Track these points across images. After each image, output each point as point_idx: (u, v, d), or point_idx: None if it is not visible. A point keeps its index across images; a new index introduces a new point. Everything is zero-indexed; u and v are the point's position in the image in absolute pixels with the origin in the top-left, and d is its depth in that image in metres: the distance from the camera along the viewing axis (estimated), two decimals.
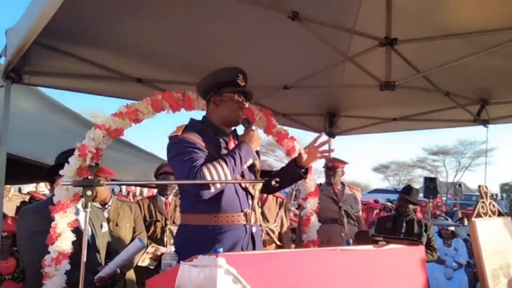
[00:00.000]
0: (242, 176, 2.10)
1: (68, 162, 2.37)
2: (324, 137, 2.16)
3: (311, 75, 3.61)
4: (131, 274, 3.16)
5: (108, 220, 3.24)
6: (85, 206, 1.68)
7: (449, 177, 32.53)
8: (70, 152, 2.43)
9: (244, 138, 2.09)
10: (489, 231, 2.77)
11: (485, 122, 4.31)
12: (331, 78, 3.85)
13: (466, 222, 7.61)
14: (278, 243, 3.54)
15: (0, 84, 2.91)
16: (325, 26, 2.78)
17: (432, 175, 20.89)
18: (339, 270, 1.64)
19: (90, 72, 3.28)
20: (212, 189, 1.91)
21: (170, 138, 2.06)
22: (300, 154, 2.15)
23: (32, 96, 4.00)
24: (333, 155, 2.48)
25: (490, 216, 2.86)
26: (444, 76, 3.43)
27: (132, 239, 3.30)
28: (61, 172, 2.37)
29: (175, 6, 2.69)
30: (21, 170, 3.85)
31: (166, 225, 3.70)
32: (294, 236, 4.26)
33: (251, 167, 2.13)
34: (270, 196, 3.60)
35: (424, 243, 3.59)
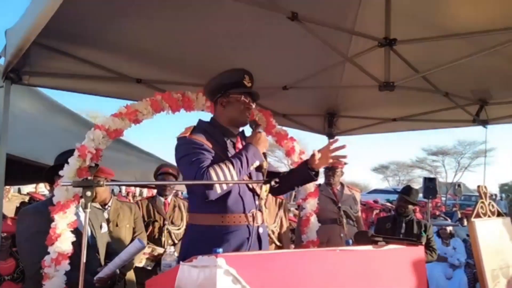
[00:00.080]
0: (250, 177, 2.12)
1: (67, 163, 2.37)
2: (339, 142, 2.15)
3: (311, 75, 3.62)
4: (131, 275, 3.16)
5: (108, 221, 3.24)
6: (84, 207, 1.68)
7: (449, 177, 32.60)
8: (70, 152, 2.43)
9: (251, 140, 2.10)
10: (488, 232, 2.77)
11: (484, 123, 4.32)
12: (331, 78, 3.86)
13: (465, 223, 7.61)
14: (278, 243, 3.54)
15: (0, 84, 2.91)
16: (325, 27, 2.79)
17: (432, 176, 20.93)
18: (339, 270, 1.64)
19: (89, 72, 3.28)
20: (219, 190, 1.92)
21: (178, 139, 2.08)
22: (312, 156, 2.15)
23: (32, 97, 4.00)
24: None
25: (489, 216, 2.86)
26: (443, 77, 3.43)
27: (132, 240, 3.30)
28: (60, 172, 2.37)
29: (175, 7, 2.69)
30: (20, 170, 3.86)
31: (164, 225, 3.69)
32: (293, 237, 4.26)
33: (259, 169, 2.14)
34: (270, 197, 3.60)
35: (423, 243, 3.60)
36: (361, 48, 3.12)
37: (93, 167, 2.49)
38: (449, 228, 6.43)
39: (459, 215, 10.51)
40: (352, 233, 3.67)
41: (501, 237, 2.89)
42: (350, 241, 2.00)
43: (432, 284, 5.54)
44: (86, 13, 2.64)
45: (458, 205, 16.99)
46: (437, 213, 12.12)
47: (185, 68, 3.48)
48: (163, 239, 3.66)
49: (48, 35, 2.51)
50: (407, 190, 4.22)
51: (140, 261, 3.43)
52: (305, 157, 3.20)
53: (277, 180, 2.16)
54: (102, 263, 2.56)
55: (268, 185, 2.16)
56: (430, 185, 8.25)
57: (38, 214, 2.41)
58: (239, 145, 2.17)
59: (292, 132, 3.34)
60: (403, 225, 4.07)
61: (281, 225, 3.64)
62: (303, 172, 2.22)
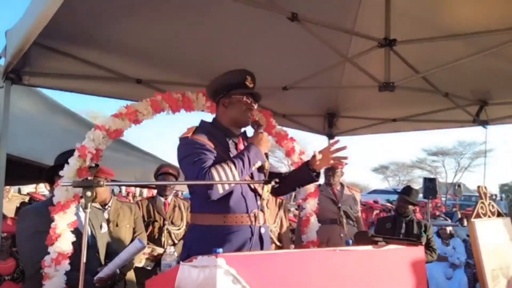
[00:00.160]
0: (251, 177, 2.12)
1: (67, 163, 2.37)
2: (340, 143, 2.16)
3: (311, 76, 3.62)
4: (131, 275, 3.16)
5: (108, 221, 3.24)
6: (84, 207, 1.68)
7: (449, 177, 32.60)
8: (70, 153, 2.43)
9: (253, 140, 2.11)
10: (488, 232, 2.78)
11: (484, 123, 4.32)
12: (331, 79, 3.86)
13: (465, 223, 7.61)
14: (278, 243, 3.54)
15: (0, 85, 2.91)
16: (325, 27, 2.79)
17: (432, 176, 20.92)
18: (339, 270, 1.65)
19: (89, 73, 3.29)
20: (221, 190, 1.93)
21: (181, 139, 2.09)
22: (313, 157, 2.16)
23: (32, 97, 4.00)
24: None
25: (489, 216, 2.87)
26: (443, 77, 3.44)
27: (132, 240, 3.30)
28: (61, 173, 2.37)
29: (175, 7, 2.69)
30: (20, 170, 3.86)
31: (164, 225, 3.70)
32: (293, 237, 4.26)
33: (260, 169, 2.15)
34: (270, 197, 3.60)
35: (423, 243, 3.60)
36: (361, 48, 3.12)
37: (93, 167, 2.49)
38: (449, 228, 6.44)
39: (459, 216, 10.50)
40: (352, 233, 3.66)
41: (501, 237, 2.90)
42: (350, 241, 2.00)
43: (432, 284, 5.55)
44: (86, 13, 2.65)
45: (458, 205, 16.98)
46: (437, 213, 12.12)
47: (185, 69, 3.48)
48: (163, 239, 3.66)
49: (48, 36, 2.52)
50: (407, 190, 4.22)
51: (140, 261, 3.43)
52: (305, 157, 3.20)
53: (277, 180, 2.17)
54: (102, 263, 2.56)
55: (270, 186, 2.16)
56: (430, 185, 8.25)
57: (38, 214, 2.41)
58: (241, 146, 2.18)
59: (292, 132, 3.35)
60: (403, 225, 4.08)
61: (281, 225, 3.64)
62: (305, 173, 2.22)
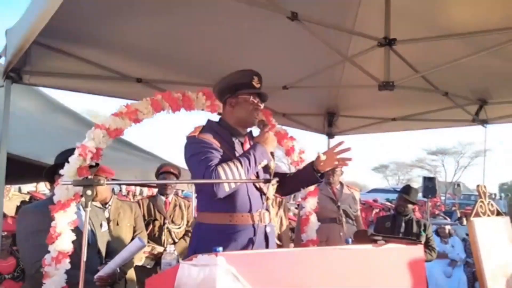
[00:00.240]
0: (257, 177, 2.14)
1: (68, 162, 2.38)
2: (345, 145, 2.17)
3: (311, 75, 3.62)
4: (131, 273, 3.17)
5: (109, 220, 3.25)
6: (85, 206, 1.68)
7: (448, 177, 32.63)
8: (70, 152, 2.43)
9: (259, 139, 2.13)
10: (487, 231, 2.78)
11: (483, 122, 4.33)
12: (330, 78, 3.86)
13: (465, 222, 7.62)
14: (277, 242, 3.55)
15: (0, 84, 2.92)
16: (324, 27, 2.80)
17: (431, 175, 20.90)
18: (338, 269, 1.65)
19: (90, 72, 3.29)
20: (227, 188, 1.94)
21: (188, 138, 2.11)
22: (317, 158, 2.17)
23: (32, 96, 4.01)
24: None
25: (488, 215, 2.87)
26: (443, 76, 3.44)
27: (133, 239, 3.31)
28: (61, 171, 2.37)
29: (175, 7, 2.70)
30: (21, 170, 3.86)
31: (164, 224, 3.71)
32: (293, 236, 4.27)
33: (266, 169, 2.17)
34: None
35: (423, 242, 3.60)
36: (361, 48, 3.13)
37: (93, 166, 2.50)
38: (448, 227, 6.45)
39: (459, 214, 10.51)
40: (351, 232, 3.67)
41: (500, 236, 2.90)
42: (350, 240, 2.01)
43: (431, 282, 5.56)
44: (87, 12, 2.65)
45: (458, 204, 16.97)
46: (437, 212, 12.13)
47: (185, 68, 3.49)
48: (163, 237, 3.67)
49: (48, 35, 2.52)
50: (407, 190, 4.22)
51: (140, 260, 3.44)
52: (304, 156, 3.21)
53: (277, 179, 2.18)
54: (103, 261, 2.56)
55: (275, 185, 2.18)
56: (429, 184, 8.25)
57: (38, 213, 2.42)
58: (247, 145, 2.20)
59: (292, 131, 3.35)
60: (403, 224, 4.08)
61: (281, 224, 3.65)
62: (309, 173, 2.24)
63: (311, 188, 3.21)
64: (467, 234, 5.98)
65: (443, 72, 3.23)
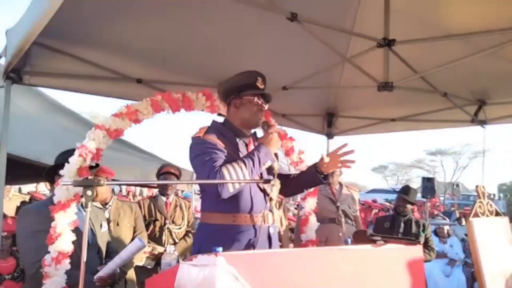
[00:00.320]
0: (261, 178, 2.15)
1: (68, 162, 2.38)
2: (349, 147, 2.18)
3: (310, 76, 3.63)
4: (131, 274, 3.17)
5: (109, 220, 3.25)
6: (85, 206, 1.69)
7: (447, 177, 32.64)
8: (70, 152, 2.44)
9: (263, 140, 2.14)
10: (486, 231, 2.78)
11: (482, 123, 4.34)
12: (330, 79, 3.87)
13: (463, 222, 7.63)
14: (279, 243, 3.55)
15: (0, 84, 2.92)
16: (324, 27, 2.80)
17: (430, 175, 20.91)
18: (338, 269, 1.66)
19: (90, 72, 3.29)
20: (231, 189, 1.96)
21: (193, 138, 2.13)
22: (321, 160, 2.19)
23: (32, 97, 4.01)
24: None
25: (487, 216, 2.87)
26: (442, 77, 3.45)
27: (133, 239, 3.31)
28: (61, 172, 2.38)
29: (175, 7, 2.70)
30: (21, 170, 3.86)
31: (165, 224, 3.72)
32: (292, 236, 4.28)
33: (270, 170, 2.18)
34: None
35: (422, 242, 3.61)
36: (360, 48, 3.13)
37: (93, 167, 2.50)
38: (446, 228, 6.46)
39: (458, 215, 10.51)
40: (350, 233, 3.68)
41: (499, 237, 2.90)
42: (349, 240, 2.01)
43: (430, 282, 5.56)
44: (87, 13, 2.65)
45: (457, 204, 16.98)
46: (436, 212, 12.13)
47: (185, 68, 3.49)
48: (164, 238, 3.68)
49: (48, 35, 2.53)
50: (406, 190, 4.23)
51: (141, 260, 3.44)
52: (304, 156, 3.22)
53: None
54: (103, 262, 2.56)
55: (278, 186, 2.19)
56: (428, 184, 8.25)
57: (38, 213, 2.42)
58: (251, 146, 2.21)
59: (291, 132, 3.36)
60: (402, 224, 4.09)
61: (280, 224, 3.65)
62: (312, 175, 2.26)
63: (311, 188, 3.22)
64: (466, 235, 5.98)
65: (442, 73, 3.24)
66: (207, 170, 1.96)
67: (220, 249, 1.38)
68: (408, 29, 2.91)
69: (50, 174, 2.57)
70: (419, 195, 6.28)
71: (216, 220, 2.08)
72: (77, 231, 2.39)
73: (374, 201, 12.02)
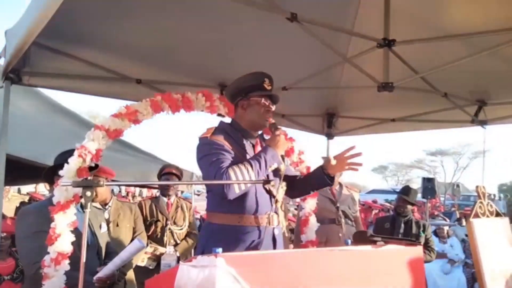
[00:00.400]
0: None
1: (67, 163, 2.38)
2: (356, 150, 2.18)
3: (310, 76, 3.62)
4: (130, 274, 3.17)
5: (108, 221, 3.25)
6: (84, 207, 1.68)
7: (447, 177, 32.68)
8: (70, 152, 2.43)
9: (270, 142, 2.14)
10: (487, 231, 2.78)
11: (482, 123, 4.33)
12: (330, 79, 3.86)
13: (464, 222, 7.63)
14: None
15: (0, 85, 2.91)
16: (324, 28, 2.80)
17: (430, 176, 20.92)
18: (338, 270, 1.65)
19: (89, 73, 3.29)
20: (237, 190, 1.97)
21: (200, 139, 2.13)
22: (328, 162, 2.18)
23: (32, 97, 4.01)
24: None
25: (488, 216, 2.87)
26: (442, 77, 3.44)
27: (132, 240, 3.30)
28: (60, 172, 2.37)
29: (174, 8, 2.70)
30: (20, 171, 3.86)
31: (166, 225, 3.71)
32: (292, 237, 4.27)
33: (276, 172, 2.18)
34: None
35: (422, 243, 3.61)
36: (360, 48, 3.13)
37: (93, 168, 2.50)
38: (446, 228, 6.46)
39: (458, 215, 10.52)
40: (350, 233, 3.67)
41: (499, 237, 2.90)
42: (349, 241, 2.01)
43: (430, 282, 5.56)
44: (86, 13, 2.65)
45: (457, 205, 16.99)
46: (436, 213, 12.13)
47: (185, 69, 3.49)
48: (165, 239, 3.68)
49: (48, 36, 2.52)
50: (406, 190, 4.23)
51: (142, 261, 3.44)
52: (304, 157, 3.21)
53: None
54: (102, 263, 2.56)
55: (284, 188, 2.19)
56: (428, 185, 8.26)
57: (37, 214, 2.41)
58: (258, 148, 2.22)
59: (291, 132, 3.36)
60: (402, 225, 4.08)
61: None
62: (319, 177, 2.25)
63: None
64: (466, 235, 5.98)
65: (443, 73, 3.24)
66: (213, 171, 1.97)
67: (220, 250, 1.38)
68: (408, 29, 2.91)
69: (50, 174, 2.57)
70: (419, 195, 6.29)
71: (222, 220, 2.09)
72: (77, 231, 2.38)
73: (374, 201, 12.03)
